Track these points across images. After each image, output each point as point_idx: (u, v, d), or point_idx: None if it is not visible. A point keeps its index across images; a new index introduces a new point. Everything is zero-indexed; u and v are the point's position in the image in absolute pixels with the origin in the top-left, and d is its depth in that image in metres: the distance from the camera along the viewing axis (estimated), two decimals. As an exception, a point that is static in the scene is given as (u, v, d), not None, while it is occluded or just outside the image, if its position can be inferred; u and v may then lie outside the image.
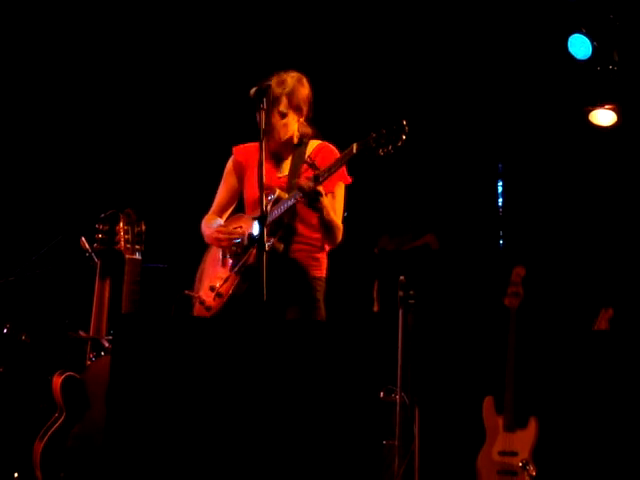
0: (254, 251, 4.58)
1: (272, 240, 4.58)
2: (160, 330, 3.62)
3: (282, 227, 4.63)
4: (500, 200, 7.30)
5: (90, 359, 5.01)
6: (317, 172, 4.50)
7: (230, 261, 4.74)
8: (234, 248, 4.70)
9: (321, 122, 4.91)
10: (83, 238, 5.32)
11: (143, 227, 5.04)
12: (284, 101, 4.75)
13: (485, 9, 6.74)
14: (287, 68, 4.83)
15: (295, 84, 4.78)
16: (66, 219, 6.14)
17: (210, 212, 4.98)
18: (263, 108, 4.36)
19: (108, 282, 5.14)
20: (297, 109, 4.79)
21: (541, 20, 6.61)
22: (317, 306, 4.73)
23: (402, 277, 5.24)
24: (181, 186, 6.78)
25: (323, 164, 4.61)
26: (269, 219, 4.55)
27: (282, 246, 4.63)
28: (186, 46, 6.85)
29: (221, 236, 4.75)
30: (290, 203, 4.55)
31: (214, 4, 6.80)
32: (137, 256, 4.96)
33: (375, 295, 6.42)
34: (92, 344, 5.05)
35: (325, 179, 4.51)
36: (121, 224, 5.03)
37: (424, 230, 6.88)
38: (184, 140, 6.90)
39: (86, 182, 6.73)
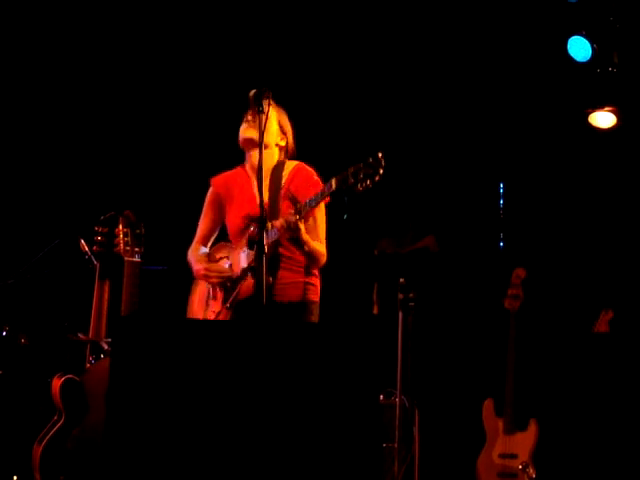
0: (244, 285, 4.60)
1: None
2: (159, 333, 3.62)
3: (267, 259, 4.62)
4: (501, 202, 7.30)
5: (89, 362, 5.01)
6: (299, 206, 4.49)
7: (220, 295, 4.76)
8: (224, 283, 4.72)
9: (321, 125, 4.92)
10: (82, 240, 5.33)
11: (142, 229, 5.04)
12: (273, 121, 4.81)
13: (485, 11, 6.73)
14: (278, 85, 4.86)
15: (283, 114, 4.88)
16: (65, 221, 6.13)
17: (194, 242, 5.01)
18: (262, 111, 4.36)
19: (107, 284, 5.14)
20: (281, 129, 4.86)
21: (541, 22, 6.60)
22: None
23: (402, 279, 5.24)
24: (181, 188, 6.77)
25: (299, 186, 4.65)
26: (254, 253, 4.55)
27: (271, 279, 4.63)
28: (186, 49, 6.84)
29: (210, 273, 4.79)
30: (273, 239, 4.55)
31: (217, 7, 6.81)
32: (136, 258, 4.96)
33: (375, 297, 6.42)
34: (91, 347, 5.05)
35: (306, 213, 4.52)
36: (120, 226, 5.02)
37: (424, 232, 6.87)
38: (183, 142, 6.90)
39: (85, 184, 6.72)
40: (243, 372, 3.57)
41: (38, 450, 4.81)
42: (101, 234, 5.17)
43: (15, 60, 6.70)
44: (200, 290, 4.92)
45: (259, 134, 4.38)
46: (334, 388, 3.64)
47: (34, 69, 6.76)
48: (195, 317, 4.88)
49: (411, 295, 5.24)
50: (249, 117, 4.78)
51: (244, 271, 4.63)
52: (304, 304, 4.75)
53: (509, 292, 5.84)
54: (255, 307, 4.21)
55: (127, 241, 4.98)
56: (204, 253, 4.93)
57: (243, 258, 4.65)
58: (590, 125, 6.85)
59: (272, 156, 4.85)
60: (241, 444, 3.53)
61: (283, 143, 4.89)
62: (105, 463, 3.52)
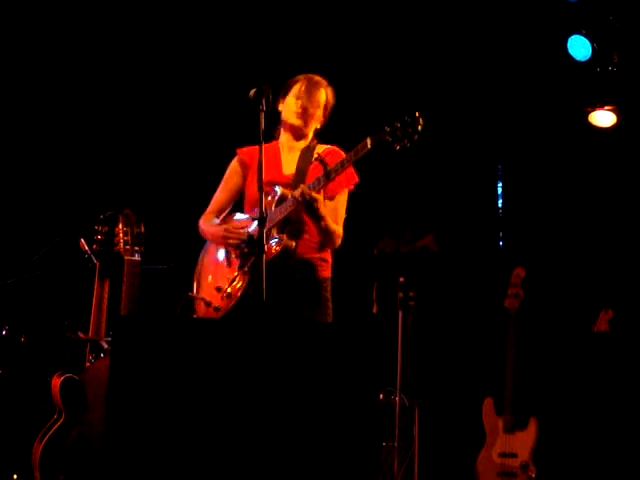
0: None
1: (284, 237, 4.56)
2: (159, 331, 3.62)
3: (290, 224, 4.60)
4: (500, 201, 7.30)
5: (89, 361, 5.00)
6: (329, 168, 4.44)
7: (236, 261, 4.70)
8: (242, 247, 4.65)
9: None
10: (82, 239, 5.32)
11: (142, 228, 5.04)
12: (321, 107, 4.80)
13: (485, 10, 6.73)
14: (287, 69, 4.84)
15: (332, 98, 4.84)
16: (65, 220, 6.13)
17: (207, 211, 4.94)
18: (262, 110, 4.34)
19: (107, 283, 5.13)
20: (324, 117, 4.83)
21: (541, 21, 6.61)
22: (327, 305, 4.72)
23: (401, 278, 5.24)
24: (181, 187, 6.77)
25: (331, 163, 4.60)
26: (273, 218, 4.54)
27: (294, 244, 4.60)
28: (186, 47, 6.84)
29: (229, 234, 4.69)
30: (288, 208, 4.53)
31: (216, 5, 6.80)
32: (136, 257, 4.96)
33: (375, 297, 6.42)
34: (91, 346, 5.04)
35: (338, 174, 4.46)
36: (120, 225, 5.02)
37: (423, 231, 6.88)
38: (183, 140, 6.90)
39: (85, 183, 6.72)
40: (242, 371, 3.57)
41: (38, 449, 4.80)
42: (101, 233, 5.16)
43: (15, 60, 6.70)
44: (211, 255, 4.83)
45: (260, 133, 4.34)
46: (334, 387, 3.64)
47: (34, 69, 6.76)
48: (206, 285, 4.80)
49: (411, 294, 5.25)
50: (302, 96, 4.74)
51: (250, 240, 4.55)
52: (317, 282, 4.72)
53: (509, 291, 5.83)
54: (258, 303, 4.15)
55: (127, 240, 4.98)
56: (217, 224, 4.86)
57: (255, 225, 4.57)
58: (590, 124, 6.86)
59: (306, 140, 4.81)
60: (240, 443, 3.53)
61: (319, 126, 4.83)
62: (105, 462, 3.52)
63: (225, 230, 4.73)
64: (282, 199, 4.60)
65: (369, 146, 4.35)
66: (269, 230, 4.55)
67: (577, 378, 4.74)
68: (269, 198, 4.60)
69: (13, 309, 5.92)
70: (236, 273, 4.65)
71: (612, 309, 6.01)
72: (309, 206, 4.50)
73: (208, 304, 4.68)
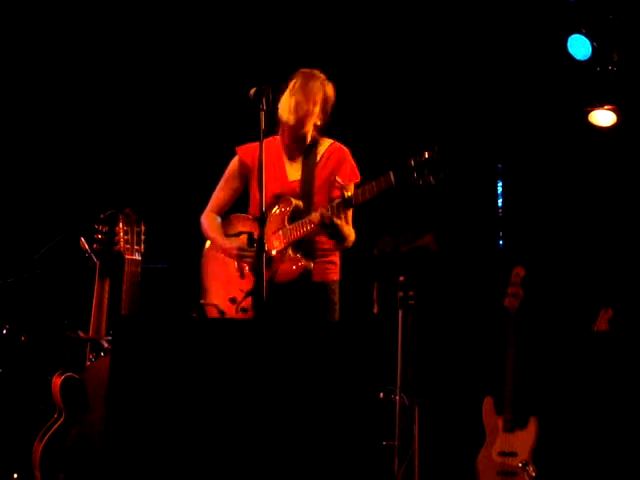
0: (280, 267, 4.54)
1: (303, 261, 4.55)
2: (160, 331, 3.62)
3: (304, 243, 4.59)
4: (500, 200, 7.30)
5: (90, 360, 5.01)
6: (348, 196, 4.40)
7: (250, 274, 4.63)
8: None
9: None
10: (82, 239, 5.32)
11: (143, 227, 5.04)
12: (319, 103, 4.72)
13: (485, 9, 6.73)
14: (288, 68, 4.82)
15: (332, 93, 4.75)
16: (65, 220, 6.13)
17: (208, 210, 4.93)
18: (262, 109, 4.33)
19: (107, 283, 5.13)
20: (324, 114, 4.75)
21: (541, 20, 6.61)
22: (334, 308, 4.72)
23: (401, 278, 5.24)
24: (181, 185, 6.77)
25: (335, 165, 4.58)
26: (289, 236, 4.53)
27: (312, 264, 4.60)
28: (186, 46, 6.84)
29: (245, 253, 4.62)
30: (305, 230, 4.51)
31: (215, 4, 6.80)
32: (137, 256, 4.96)
33: (375, 296, 6.41)
34: (91, 345, 5.04)
35: (358, 202, 4.42)
36: (120, 224, 5.02)
37: (423, 230, 6.87)
38: (183, 139, 6.89)
39: (85, 182, 6.72)
40: (242, 370, 3.57)
41: (38, 448, 4.81)
42: (101, 232, 5.17)
43: (15, 60, 6.70)
44: (221, 262, 4.81)
45: (260, 132, 4.33)
46: (334, 386, 3.64)
47: (34, 69, 6.76)
48: (216, 292, 4.79)
49: (411, 293, 5.24)
50: (296, 92, 4.67)
51: (250, 239, 4.53)
52: (324, 285, 4.71)
53: (509, 290, 5.83)
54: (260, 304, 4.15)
55: (127, 239, 4.99)
56: (220, 225, 4.83)
57: (280, 236, 4.58)
58: (590, 123, 6.85)
59: (306, 138, 4.76)
60: (240, 442, 3.53)
61: (319, 123, 4.76)
62: (105, 461, 3.53)
63: (239, 250, 4.67)
64: (296, 212, 4.58)
65: (393, 183, 4.26)
66: (284, 249, 4.54)
67: (577, 377, 4.74)
68: (282, 210, 4.58)
69: (13, 308, 5.92)
70: (251, 288, 4.59)
71: (612, 308, 6.01)
72: (330, 232, 4.47)
73: (222, 313, 4.65)
